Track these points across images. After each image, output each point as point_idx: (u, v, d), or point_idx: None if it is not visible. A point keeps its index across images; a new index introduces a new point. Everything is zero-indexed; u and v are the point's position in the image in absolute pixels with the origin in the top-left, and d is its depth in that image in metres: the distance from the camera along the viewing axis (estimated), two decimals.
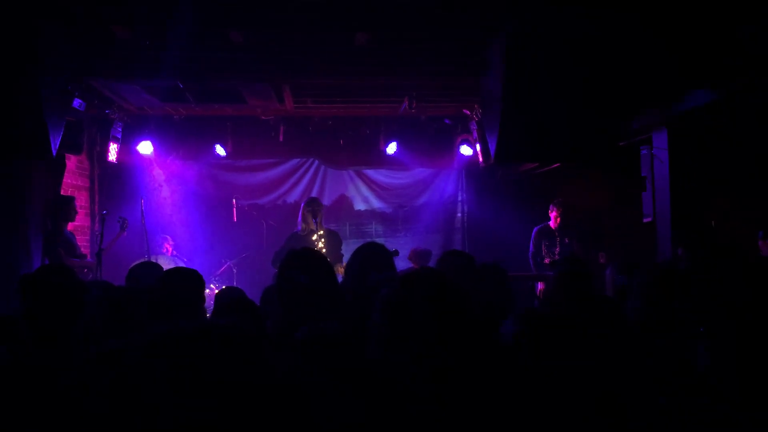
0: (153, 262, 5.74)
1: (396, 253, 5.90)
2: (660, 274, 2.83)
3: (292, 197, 9.56)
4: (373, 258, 3.34)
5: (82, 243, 7.93)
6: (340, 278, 3.63)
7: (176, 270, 3.71)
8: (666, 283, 2.77)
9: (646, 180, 6.68)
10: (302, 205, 6.94)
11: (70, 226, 7.05)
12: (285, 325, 2.72)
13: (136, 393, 1.34)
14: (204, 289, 3.47)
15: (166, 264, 7.83)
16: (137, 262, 7.43)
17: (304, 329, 1.84)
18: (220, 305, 3.77)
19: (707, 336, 2.54)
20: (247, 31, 5.35)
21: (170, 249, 8.50)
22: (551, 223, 7.70)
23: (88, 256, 7.56)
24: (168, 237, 8.56)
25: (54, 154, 5.56)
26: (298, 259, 2.89)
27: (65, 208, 6.84)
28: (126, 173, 8.67)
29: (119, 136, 7.98)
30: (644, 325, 2.70)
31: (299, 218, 6.83)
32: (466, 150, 8.28)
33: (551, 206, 7.72)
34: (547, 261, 7.57)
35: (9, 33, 4.86)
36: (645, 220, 6.82)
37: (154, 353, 1.30)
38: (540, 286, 7.38)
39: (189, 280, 3.45)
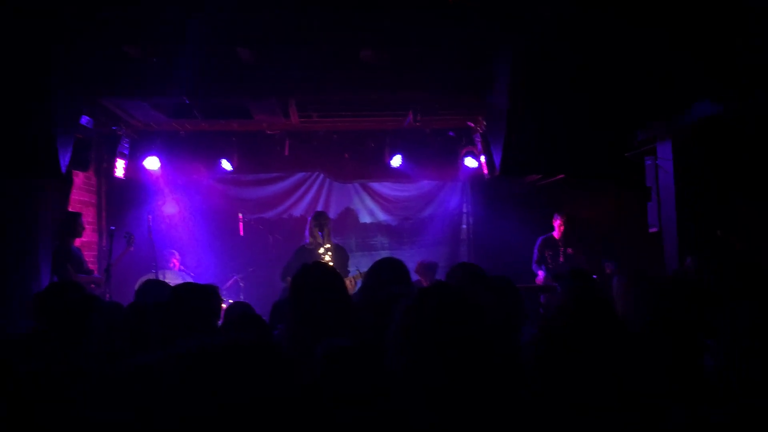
0: (159, 281, 5.77)
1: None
2: (669, 284, 2.84)
3: (298, 211, 9.61)
4: (390, 273, 3.36)
5: (90, 259, 7.97)
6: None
7: (186, 285, 3.73)
8: (674, 293, 2.78)
9: (651, 190, 6.71)
10: (309, 218, 6.98)
11: (77, 242, 7.08)
12: (298, 340, 2.74)
13: (163, 408, 1.36)
14: (217, 303, 3.49)
15: (173, 278, 7.88)
16: (143, 278, 7.48)
17: (325, 344, 1.87)
18: (228, 320, 3.80)
19: (715, 346, 2.55)
20: (254, 48, 5.41)
21: (177, 264, 8.53)
22: (555, 233, 7.73)
23: (96, 272, 7.59)
24: (175, 252, 8.59)
25: (63, 171, 5.61)
26: (311, 274, 2.92)
27: (72, 224, 6.87)
28: (133, 189, 8.72)
29: (126, 152, 8.04)
30: (651, 334, 2.71)
31: (306, 232, 6.88)
32: (470, 162, 8.31)
33: (555, 215, 7.75)
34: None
35: (22, 53, 4.92)
36: (651, 230, 6.84)
37: (182, 368, 1.32)
38: (543, 296, 7.39)
39: (199, 296, 3.47)
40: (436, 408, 1.63)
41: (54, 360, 2.68)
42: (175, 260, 8.49)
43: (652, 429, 1.67)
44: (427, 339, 1.70)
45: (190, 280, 7.99)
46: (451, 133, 8.57)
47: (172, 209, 9.18)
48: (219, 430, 1.30)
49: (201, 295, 3.47)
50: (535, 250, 7.81)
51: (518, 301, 3.41)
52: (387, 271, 3.39)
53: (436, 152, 8.81)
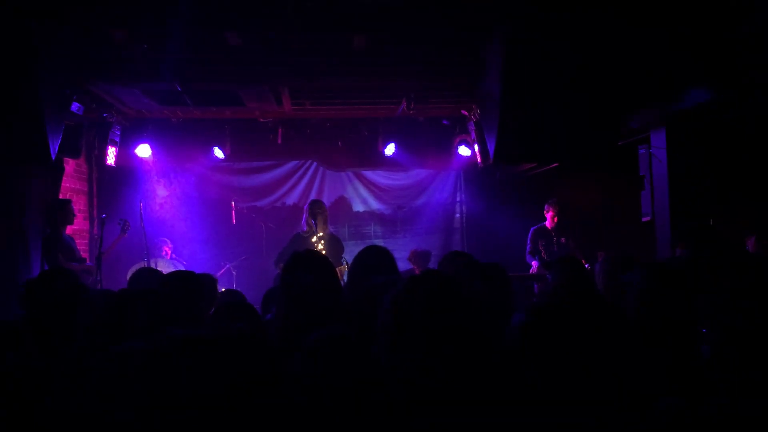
0: (152, 269, 5.74)
1: None
2: (658, 272, 2.82)
3: (291, 199, 9.58)
4: (375, 261, 3.34)
5: (81, 247, 7.92)
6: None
7: (179, 273, 3.71)
8: (664, 281, 2.76)
9: (645, 179, 6.71)
10: (305, 206, 6.96)
11: (69, 230, 7.03)
12: (288, 328, 2.72)
13: (143, 394, 1.35)
14: (211, 292, 3.47)
15: (165, 267, 7.85)
16: (135, 267, 7.44)
17: (316, 333, 1.85)
18: (218, 309, 3.78)
19: (709, 334, 2.55)
20: (244, 33, 5.35)
21: (169, 252, 8.49)
22: (547, 223, 7.73)
23: (87, 260, 7.55)
24: (167, 240, 8.55)
25: (53, 158, 5.56)
26: (302, 261, 2.89)
27: (62, 211, 6.81)
28: (124, 176, 8.66)
29: (117, 140, 7.97)
30: (642, 322, 2.70)
31: (303, 220, 6.86)
32: (464, 151, 8.28)
33: (546, 206, 7.74)
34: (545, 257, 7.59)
35: (7, 38, 4.86)
36: (644, 219, 6.85)
37: (165, 358, 1.31)
38: (537, 285, 7.39)
39: (191, 284, 3.44)
40: (425, 397, 1.62)
41: (38, 349, 2.65)
42: (167, 248, 8.45)
43: (641, 415, 1.66)
44: (416, 327, 1.68)
45: (182, 268, 7.96)
46: (445, 122, 8.54)
47: (164, 197, 9.14)
48: (205, 419, 1.29)
49: (193, 284, 3.45)
50: (528, 242, 7.81)
51: (509, 290, 3.40)
52: (372, 259, 3.36)
53: (429, 141, 8.78)
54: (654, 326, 2.59)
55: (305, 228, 6.81)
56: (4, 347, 2.64)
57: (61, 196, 7.52)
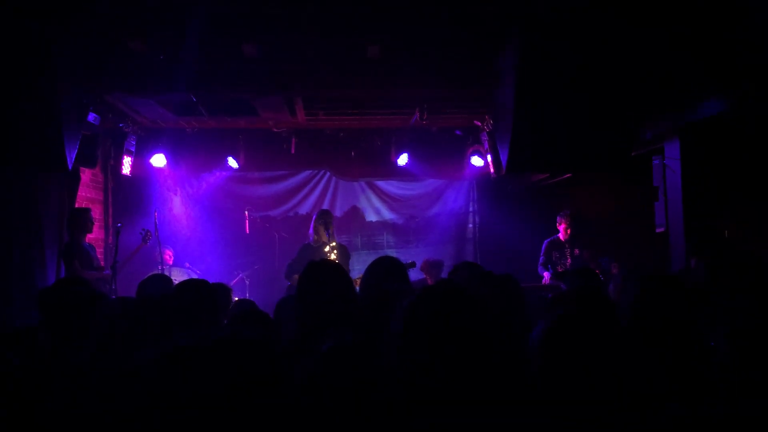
0: (161, 274, 5.77)
1: (412, 264, 5.96)
2: (655, 283, 2.77)
3: (304, 209, 9.62)
4: (388, 271, 3.38)
5: (97, 255, 7.98)
6: None
7: (190, 282, 3.73)
8: (657, 287, 2.72)
9: (659, 190, 6.67)
10: (314, 217, 6.97)
11: (87, 238, 7.10)
12: (301, 336, 2.74)
13: (152, 404, 1.36)
14: (222, 301, 3.49)
15: (178, 276, 7.89)
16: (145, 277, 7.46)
17: (328, 340, 1.86)
18: (233, 317, 3.81)
19: (723, 343, 2.52)
20: (259, 43, 5.40)
21: (171, 255, 8.46)
22: (561, 235, 7.69)
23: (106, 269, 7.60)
24: (169, 246, 8.54)
25: (69, 167, 5.63)
26: (321, 271, 2.92)
27: (81, 219, 6.87)
28: (139, 186, 8.74)
29: (133, 149, 8.06)
30: (644, 331, 2.67)
31: (311, 230, 6.87)
32: (477, 161, 8.29)
33: (558, 218, 7.71)
34: (559, 269, 7.56)
35: (25, 48, 4.94)
36: (658, 230, 6.80)
37: (170, 365, 1.32)
38: (550, 295, 7.34)
39: (202, 293, 3.47)
40: (425, 397, 1.62)
41: (51, 354, 2.68)
42: (169, 252, 8.43)
43: (646, 426, 1.65)
44: (422, 331, 1.69)
45: (195, 277, 7.99)
46: (458, 132, 8.55)
47: (178, 206, 9.20)
48: (205, 421, 1.30)
49: (206, 293, 3.48)
50: (542, 254, 7.78)
51: (521, 300, 3.40)
52: (385, 269, 3.41)
53: (442, 151, 8.80)
54: (648, 329, 2.55)
55: (312, 240, 6.82)
56: (12, 353, 2.68)
57: (77, 205, 7.59)
